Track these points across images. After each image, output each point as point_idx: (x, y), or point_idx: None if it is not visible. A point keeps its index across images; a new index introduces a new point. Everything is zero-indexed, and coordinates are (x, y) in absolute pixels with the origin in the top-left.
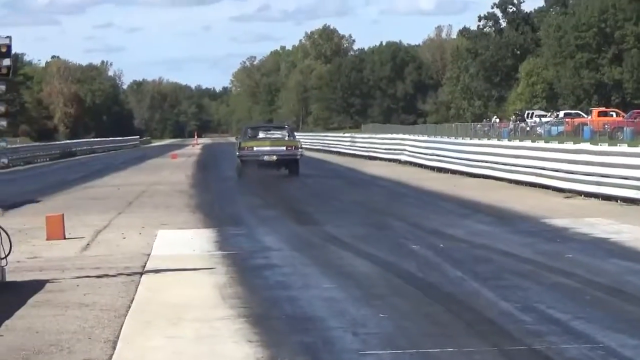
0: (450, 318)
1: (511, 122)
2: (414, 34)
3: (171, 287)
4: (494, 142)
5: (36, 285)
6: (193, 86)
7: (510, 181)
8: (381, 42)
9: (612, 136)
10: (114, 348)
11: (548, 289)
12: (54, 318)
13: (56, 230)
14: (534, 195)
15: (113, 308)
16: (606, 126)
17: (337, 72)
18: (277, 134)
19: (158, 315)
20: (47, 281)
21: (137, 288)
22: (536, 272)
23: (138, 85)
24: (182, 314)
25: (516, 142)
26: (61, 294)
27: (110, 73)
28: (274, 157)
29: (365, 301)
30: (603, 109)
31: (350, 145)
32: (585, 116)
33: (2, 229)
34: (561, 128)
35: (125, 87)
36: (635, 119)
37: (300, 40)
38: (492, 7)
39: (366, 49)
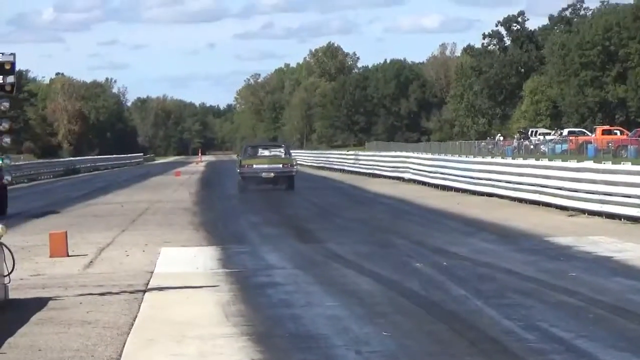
0: (453, 336)
1: (515, 140)
2: (418, 52)
3: (174, 305)
4: (498, 160)
5: (39, 303)
6: (197, 103)
7: (514, 199)
8: (385, 60)
9: (616, 154)
10: None
11: (551, 307)
12: (56, 336)
13: (59, 248)
14: (538, 213)
15: (116, 326)
16: (610, 144)
17: (341, 90)
18: (274, 152)
19: (161, 333)
20: (49, 299)
21: (140, 306)
22: (539, 290)
23: (142, 103)
24: (185, 331)
25: (520, 160)
26: (64, 311)
27: (115, 90)
28: (272, 174)
29: (368, 319)
30: (607, 127)
31: (354, 163)
32: (589, 134)
33: (5, 246)
34: (565, 146)
35: (129, 104)
36: (639, 137)
37: (305, 58)
38: (497, 25)
39: (370, 66)
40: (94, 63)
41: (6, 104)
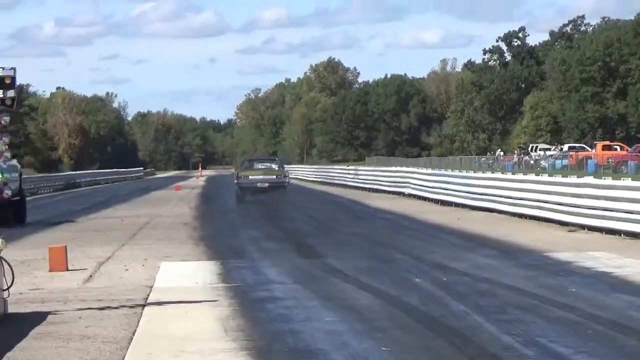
0: (453, 352)
1: (515, 156)
2: (418, 67)
3: (174, 320)
4: (498, 175)
5: (38, 317)
6: (198, 118)
7: (514, 214)
8: (386, 75)
9: (616, 170)
10: None
11: (551, 323)
12: (55, 350)
13: (59, 262)
14: (538, 229)
15: (115, 340)
16: (610, 160)
17: (342, 105)
18: (269, 165)
19: (160, 348)
20: (49, 313)
21: (139, 320)
22: (539, 306)
23: (143, 117)
24: (184, 346)
25: (520, 176)
26: (63, 325)
27: (115, 104)
28: (266, 184)
29: (367, 334)
30: (607, 142)
31: (354, 178)
32: (590, 150)
33: (5, 260)
34: (565, 162)
35: (129, 118)
36: (639, 153)
37: (305, 73)
38: (497, 41)
39: (371, 81)
40: (95, 77)
41: (7, 118)
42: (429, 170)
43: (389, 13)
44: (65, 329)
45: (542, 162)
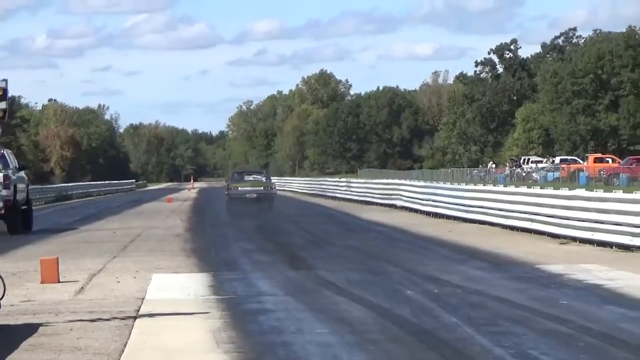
0: None
1: (507, 168)
2: (410, 79)
3: (165, 332)
4: (490, 187)
5: (29, 329)
6: (190, 130)
7: (505, 227)
8: (378, 87)
9: (608, 182)
10: None
11: (542, 335)
12: None
13: (50, 274)
14: (529, 241)
15: (106, 352)
16: (602, 172)
17: (334, 117)
18: (256, 178)
19: None
20: (40, 325)
21: (130, 332)
22: (530, 318)
23: (135, 129)
24: (175, 358)
25: (512, 188)
26: (54, 337)
27: (107, 116)
28: (254, 195)
29: (359, 347)
30: (599, 155)
31: (346, 190)
32: (582, 162)
33: None
34: (557, 174)
35: (121, 130)
36: (631, 165)
37: (297, 85)
38: (489, 53)
39: (363, 93)
40: (88, 89)
41: None
42: (421, 183)
43: (381, 25)
44: (57, 340)
45: (534, 175)
